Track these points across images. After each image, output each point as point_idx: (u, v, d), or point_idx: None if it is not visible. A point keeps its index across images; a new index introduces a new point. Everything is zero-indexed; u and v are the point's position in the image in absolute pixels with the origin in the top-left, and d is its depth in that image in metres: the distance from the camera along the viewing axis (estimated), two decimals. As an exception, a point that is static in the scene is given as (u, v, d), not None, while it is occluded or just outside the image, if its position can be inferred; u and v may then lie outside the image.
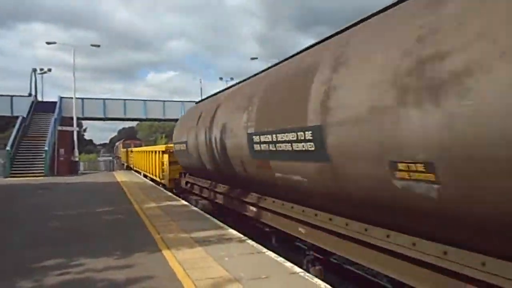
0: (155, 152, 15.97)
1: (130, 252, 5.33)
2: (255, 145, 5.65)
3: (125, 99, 34.19)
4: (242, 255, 5.12)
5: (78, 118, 29.81)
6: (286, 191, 5.47)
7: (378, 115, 3.19)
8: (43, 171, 23.40)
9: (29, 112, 28.17)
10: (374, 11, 4.02)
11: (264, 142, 5.33)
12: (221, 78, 50.78)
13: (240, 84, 7.99)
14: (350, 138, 3.58)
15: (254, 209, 6.85)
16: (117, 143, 59.14)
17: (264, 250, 5.35)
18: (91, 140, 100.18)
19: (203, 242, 5.84)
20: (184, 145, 10.34)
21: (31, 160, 24.01)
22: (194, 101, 19.81)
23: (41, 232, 7.02)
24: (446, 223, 2.91)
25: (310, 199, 4.93)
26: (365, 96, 3.36)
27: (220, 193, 8.72)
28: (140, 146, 35.81)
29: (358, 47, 3.82)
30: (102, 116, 33.07)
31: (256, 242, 5.75)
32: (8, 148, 23.46)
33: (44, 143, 24.60)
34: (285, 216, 5.68)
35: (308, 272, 4.63)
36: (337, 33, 4.67)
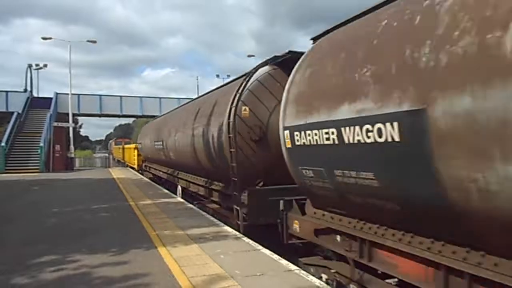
0: (131, 148, 28.23)
1: (126, 249, 5.36)
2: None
3: (121, 96, 34.10)
4: (237, 252, 5.16)
5: (74, 114, 29.68)
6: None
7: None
8: (38, 167, 23.34)
9: (24, 107, 27.97)
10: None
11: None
12: (217, 75, 50.67)
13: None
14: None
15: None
16: (110, 141, 72.11)
17: (260, 247, 5.39)
18: (87, 137, 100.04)
19: (199, 239, 5.88)
20: (141, 145, 21.48)
21: (26, 156, 23.90)
22: (190, 98, 19.89)
23: (36, 229, 7.02)
24: None
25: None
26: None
27: (161, 171, 16.48)
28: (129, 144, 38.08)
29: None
30: (98, 112, 32.93)
31: (252, 240, 5.79)
32: (3, 144, 23.33)
33: (40, 139, 24.47)
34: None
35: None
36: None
